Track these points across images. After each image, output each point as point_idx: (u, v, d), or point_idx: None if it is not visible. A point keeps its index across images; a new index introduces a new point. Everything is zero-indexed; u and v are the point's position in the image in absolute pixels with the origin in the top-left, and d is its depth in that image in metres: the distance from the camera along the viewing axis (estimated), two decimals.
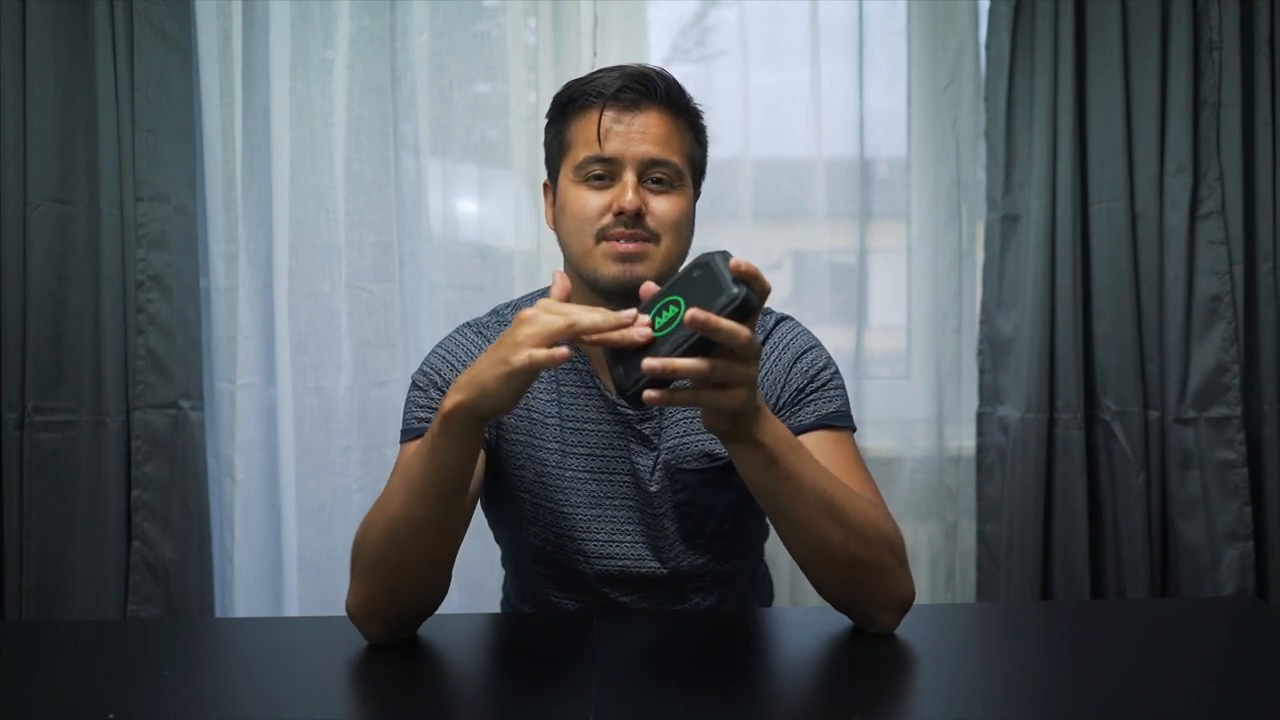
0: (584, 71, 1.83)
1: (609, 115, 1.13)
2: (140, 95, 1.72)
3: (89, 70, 1.72)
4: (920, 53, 1.91)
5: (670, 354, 0.85)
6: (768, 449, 0.95)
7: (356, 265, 1.84)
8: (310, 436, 1.84)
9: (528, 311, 0.91)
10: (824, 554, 1.01)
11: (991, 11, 1.85)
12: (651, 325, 0.88)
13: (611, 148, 1.13)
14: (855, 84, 1.88)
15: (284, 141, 1.79)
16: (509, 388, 0.90)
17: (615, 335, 0.87)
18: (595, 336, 0.88)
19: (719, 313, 0.84)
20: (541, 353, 0.87)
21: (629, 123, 1.13)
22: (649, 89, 1.14)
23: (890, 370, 2.01)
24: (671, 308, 0.87)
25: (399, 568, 0.99)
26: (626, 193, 1.12)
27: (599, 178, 1.14)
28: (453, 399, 0.93)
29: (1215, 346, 1.81)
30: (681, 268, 0.89)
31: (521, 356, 0.88)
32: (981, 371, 1.90)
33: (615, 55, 1.87)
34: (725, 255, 0.87)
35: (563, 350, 0.88)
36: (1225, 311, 1.80)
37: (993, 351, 1.88)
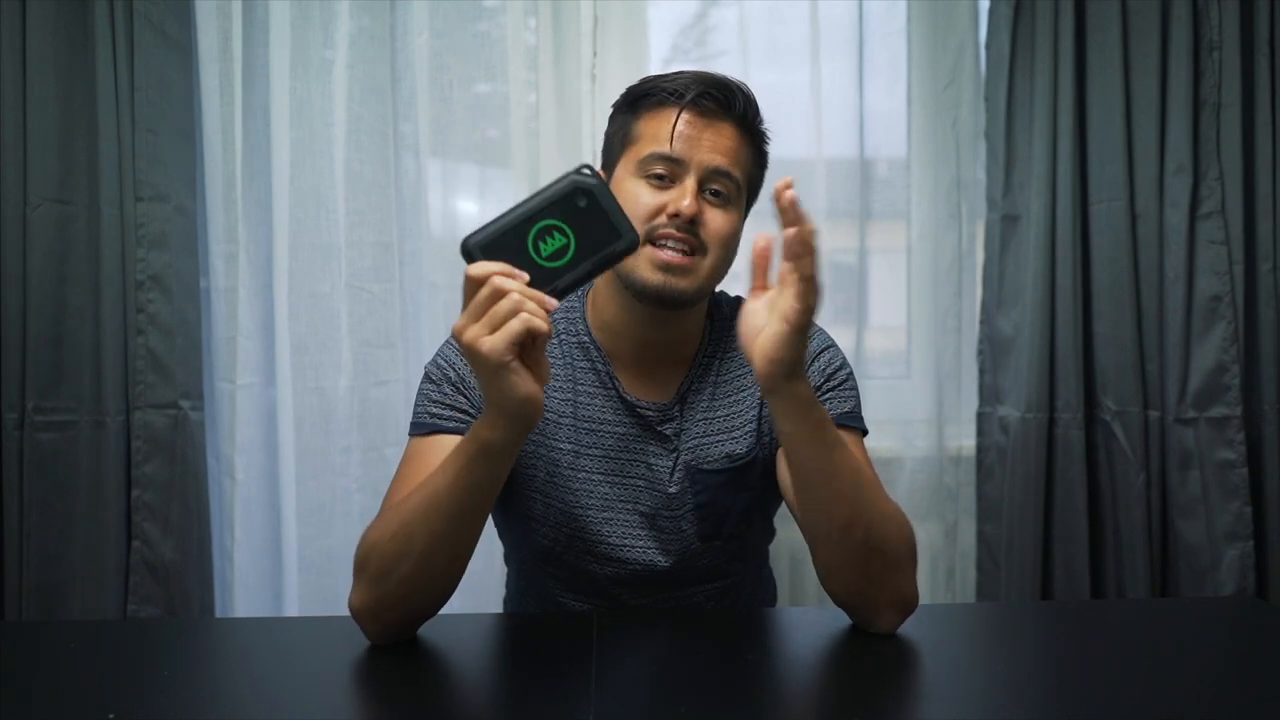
0: (584, 72, 1.85)
1: (684, 118, 1.12)
2: (140, 95, 1.72)
3: (89, 70, 1.72)
4: (920, 53, 1.91)
5: (561, 289, 0.88)
6: (815, 412, 0.97)
7: (356, 265, 1.84)
8: (310, 436, 1.83)
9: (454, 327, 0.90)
10: (847, 536, 1.00)
11: (991, 11, 1.85)
12: (534, 250, 0.87)
13: (680, 149, 1.11)
14: (855, 84, 1.88)
15: (284, 141, 1.79)
16: (510, 384, 0.88)
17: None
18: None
19: (617, 255, 0.88)
20: (499, 334, 0.86)
21: (701, 129, 1.12)
22: (728, 102, 1.13)
23: (890, 370, 2.01)
24: (558, 236, 0.87)
25: (411, 577, 0.99)
26: (685, 197, 1.10)
27: (659, 177, 1.12)
28: (485, 433, 0.93)
29: (1215, 346, 1.81)
30: (557, 186, 0.88)
31: (489, 349, 0.86)
32: (981, 371, 1.90)
33: (615, 55, 1.87)
34: (604, 182, 0.88)
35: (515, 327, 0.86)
36: (1225, 311, 1.80)
37: (993, 351, 1.88)
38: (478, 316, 0.87)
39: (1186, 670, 0.99)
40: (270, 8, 1.79)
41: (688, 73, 1.15)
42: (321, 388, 1.84)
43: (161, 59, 1.73)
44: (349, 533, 1.82)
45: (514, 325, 0.86)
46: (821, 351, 1.22)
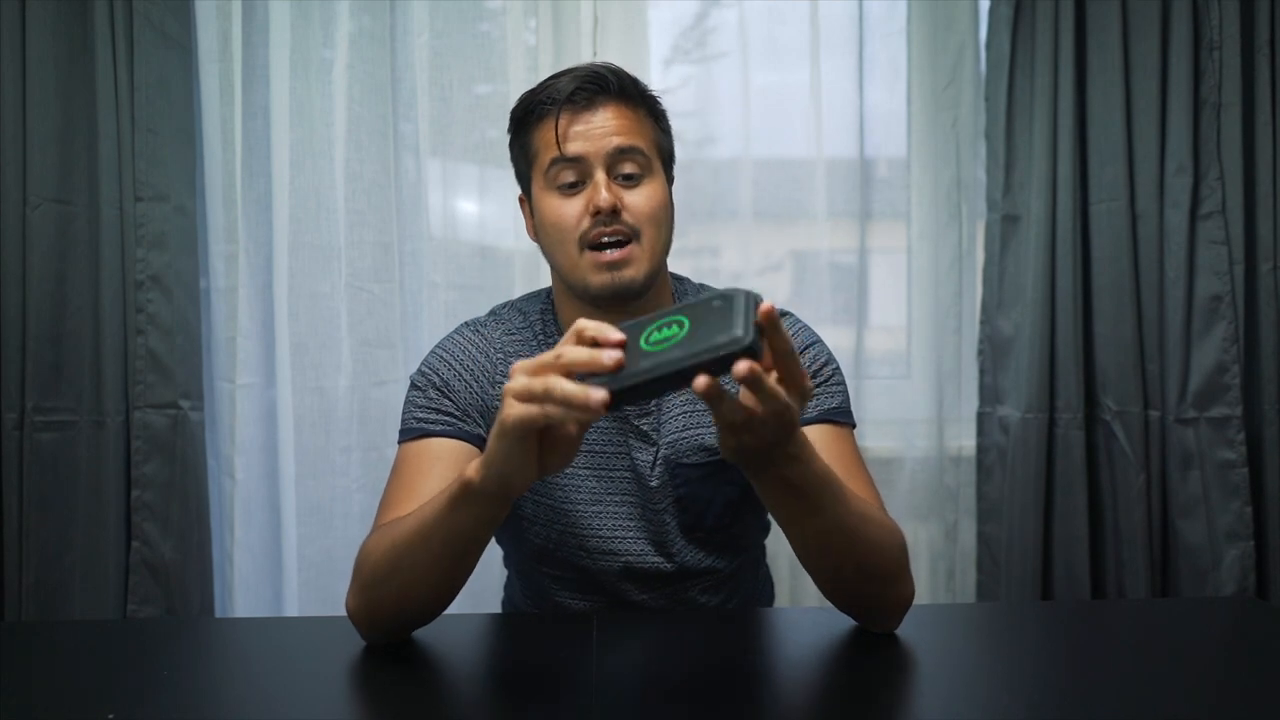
0: None
1: (565, 119, 1.12)
2: (140, 95, 1.72)
3: (89, 70, 1.72)
4: (920, 53, 1.91)
5: (649, 370, 0.77)
6: (787, 484, 0.92)
7: (356, 265, 1.84)
8: (310, 436, 1.84)
9: (515, 365, 0.84)
10: (835, 574, 1.01)
11: (991, 11, 1.85)
12: (644, 340, 0.80)
13: (574, 148, 1.12)
14: (855, 84, 1.88)
15: (284, 141, 1.79)
16: (507, 449, 0.85)
17: (589, 361, 0.80)
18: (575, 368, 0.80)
19: (717, 351, 0.76)
20: (520, 407, 0.81)
21: (588, 121, 1.13)
22: (602, 86, 1.13)
23: (890, 370, 2.01)
24: (674, 327, 0.80)
25: (400, 594, 0.99)
26: (600, 191, 1.10)
27: (571, 185, 1.13)
28: (471, 473, 0.89)
29: (1215, 346, 1.81)
30: (707, 294, 0.84)
31: (506, 412, 0.82)
32: (981, 371, 1.90)
33: (615, 56, 1.86)
34: (754, 298, 0.79)
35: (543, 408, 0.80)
36: (1225, 311, 1.80)
37: (993, 351, 1.88)
38: (531, 371, 0.82)
39: (1186, 670, 0.98)
40: (270, 8, 1.79)
41: (558, 75, 1.16)
42: (321, 388, 1.84)
43: (161, 59, 1.73)
44: (349, 533, 1.82)
45: (532, 410, 0.81)
46: (806, 348, 1.21)
